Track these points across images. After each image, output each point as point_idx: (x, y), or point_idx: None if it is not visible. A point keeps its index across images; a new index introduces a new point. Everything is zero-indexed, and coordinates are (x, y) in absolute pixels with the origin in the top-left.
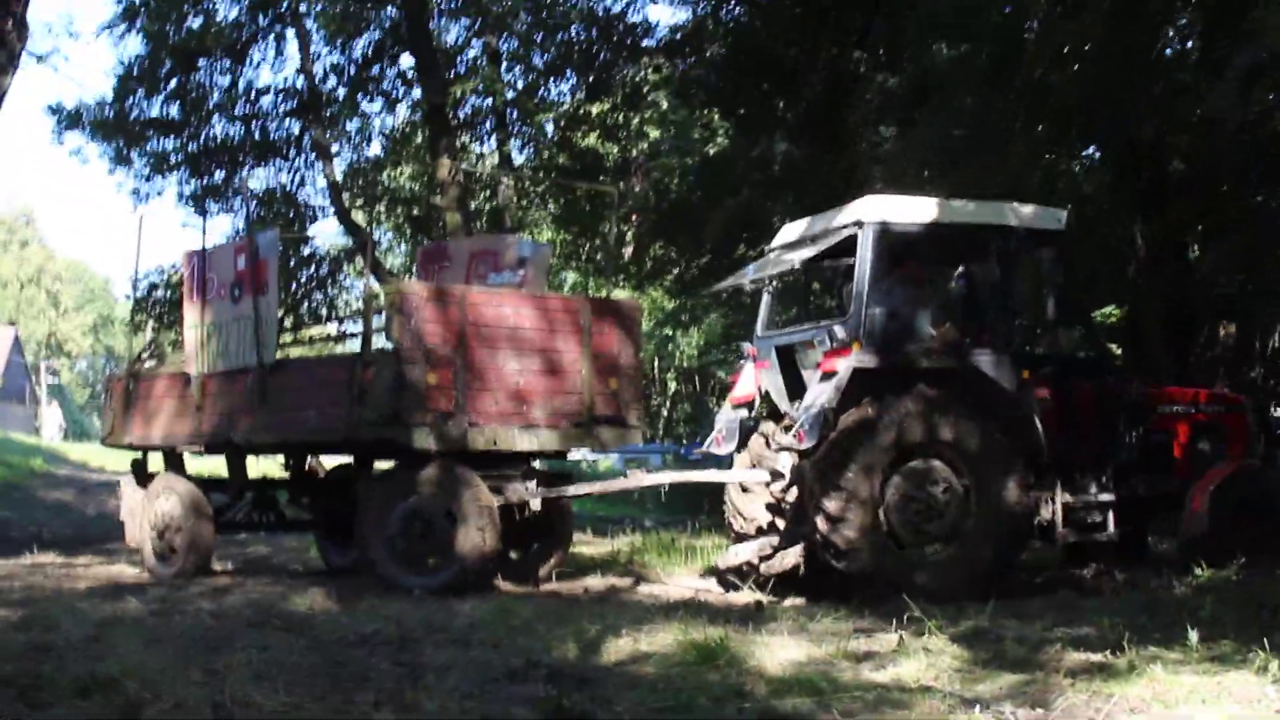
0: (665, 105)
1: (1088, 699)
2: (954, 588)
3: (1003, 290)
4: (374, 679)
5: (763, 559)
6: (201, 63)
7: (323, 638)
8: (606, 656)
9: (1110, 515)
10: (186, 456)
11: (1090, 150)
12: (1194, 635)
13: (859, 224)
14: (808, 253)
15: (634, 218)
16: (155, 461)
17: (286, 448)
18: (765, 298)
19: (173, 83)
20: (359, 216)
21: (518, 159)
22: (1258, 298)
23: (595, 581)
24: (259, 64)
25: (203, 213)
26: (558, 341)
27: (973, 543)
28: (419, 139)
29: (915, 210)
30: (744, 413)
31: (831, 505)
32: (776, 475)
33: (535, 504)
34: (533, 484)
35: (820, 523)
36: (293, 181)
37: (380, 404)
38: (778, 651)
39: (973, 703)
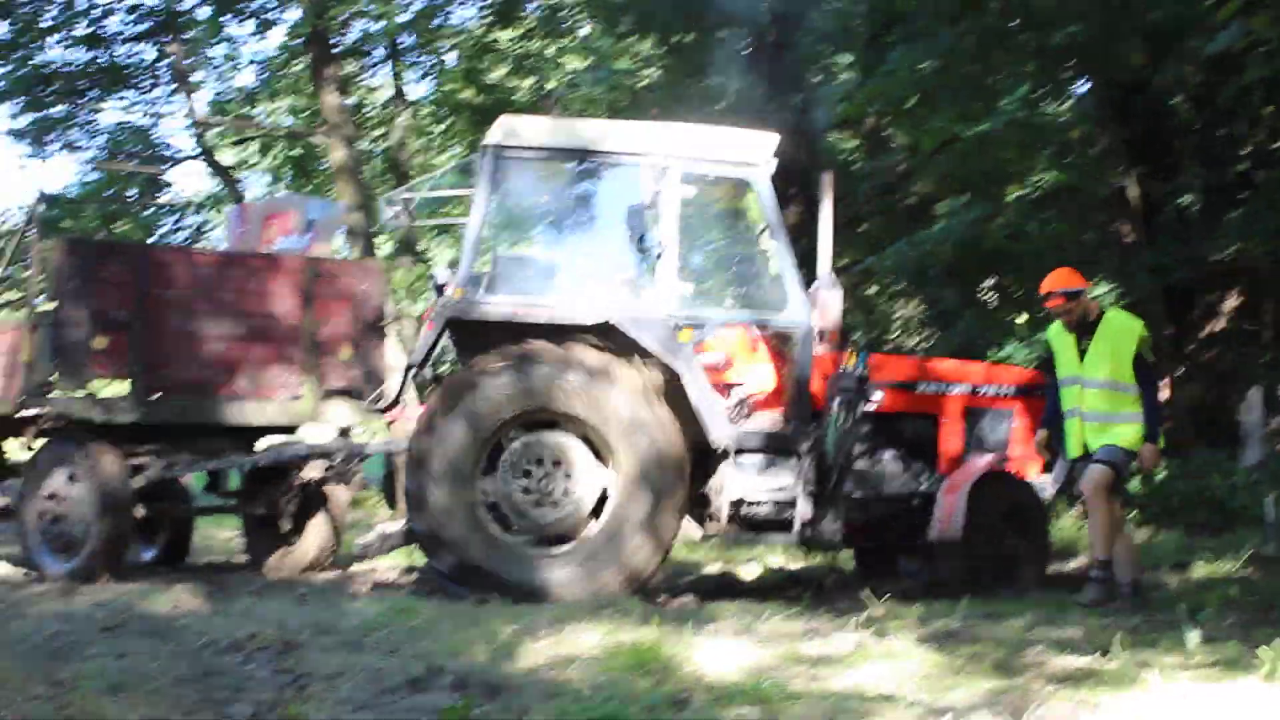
0: (587, 31)
1: (1073, 708)
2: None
3: (654, 232)
4: (251, 689)
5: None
6: None
7: (190, 643)
8: (522, 661)
9: (800, 511)
10: None
11: (1077, 86)
12: (1193, 638)
13: (481, 150)
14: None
15: None
16: None
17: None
18: None
19: None
20: (228, 157)
21: (416, 93)
22: (1272, 261)
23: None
24: None
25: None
26: (270, 305)
27: (602, 537)
28: (299, 67)
29: (546, 133)
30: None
31: (420, 483)
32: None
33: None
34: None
35: (407, 503)
36: (149, 116)
37: (39, 371)
38: (720, 656)
39: (942, 712)
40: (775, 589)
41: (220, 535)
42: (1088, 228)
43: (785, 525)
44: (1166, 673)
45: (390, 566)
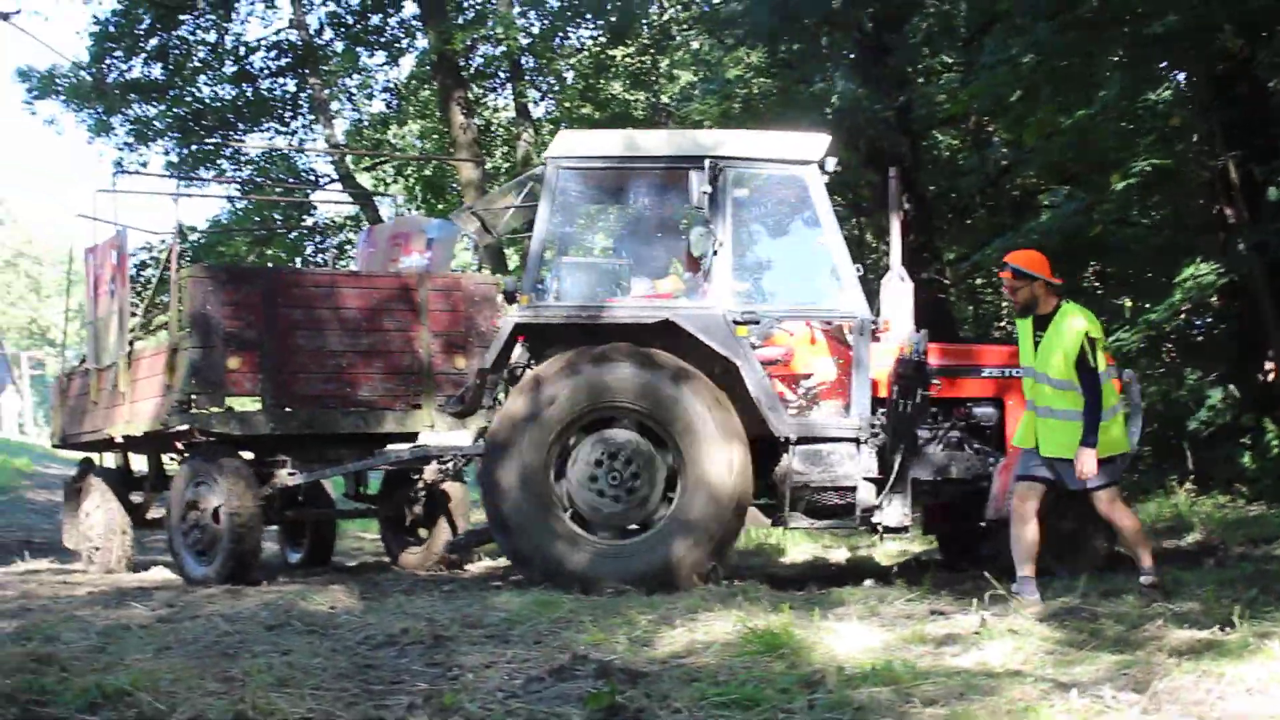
0: (696, 46)
1: (1196, 679)
2: (650, 576)
3: (711, 233)
4: (407, 681)
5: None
6: (184, 18)
7: (347, 639)
8: (660, 649)
9: (860, 496)
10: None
11: (1175, 75)
12: None
13: (543, 162)
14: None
15: None
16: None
17: (146, 441)
18: None
19: (153, 41)
20: (366, 180)
21: (536, 111)
22: None
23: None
24: (247, 18)
25: (189, 180)
26: (388, 320)
27: (672, 527)
28: (427, 93)
29: (603, 144)
30: None
31: (498, 480)
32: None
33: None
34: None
35: (488, 499)
36: (291, 146)
37: (180, 390)
38: (848, 638)
39: (1068, 686)
40: (898, 573)
41: (367, 536)
42: (1189, 212)
43: (848, 511)
44: None
45: None
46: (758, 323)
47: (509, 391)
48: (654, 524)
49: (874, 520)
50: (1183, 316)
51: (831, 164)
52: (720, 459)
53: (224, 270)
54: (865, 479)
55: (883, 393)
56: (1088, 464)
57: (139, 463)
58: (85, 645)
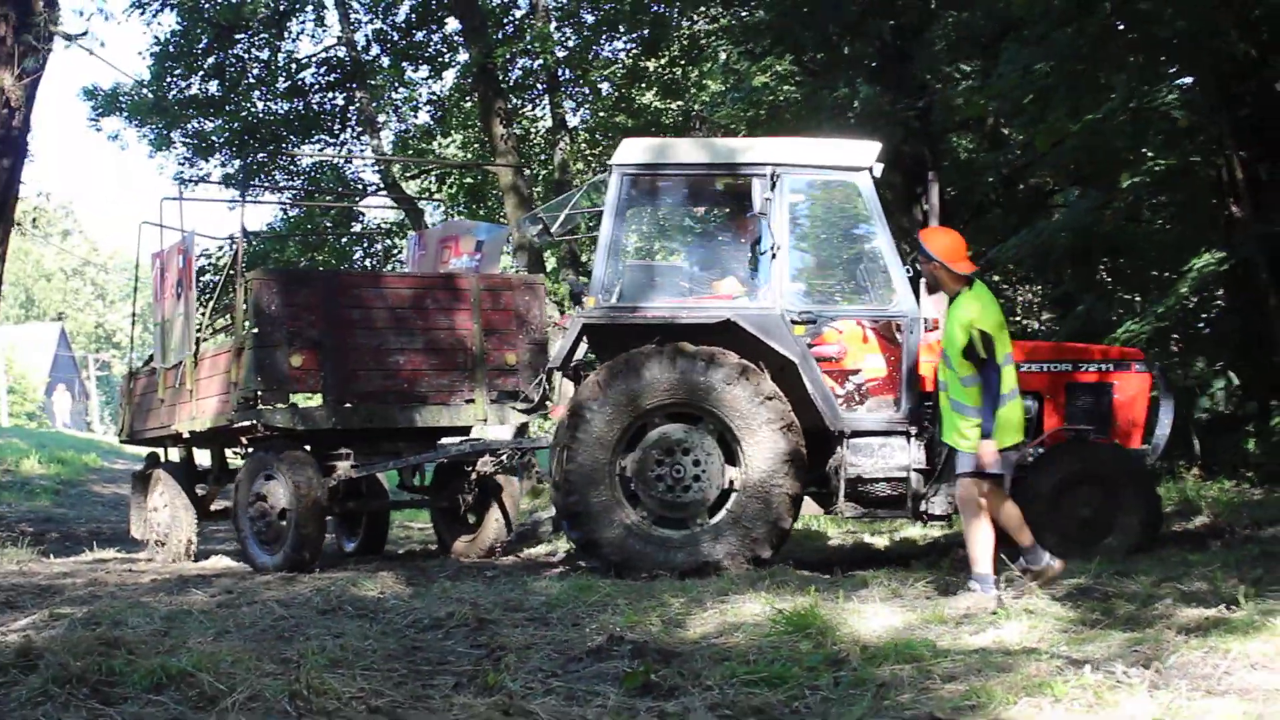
0: (724, 56)
1: (1204, 655)
2: (713, 563)
3: (768, 236)
4: (452, 662)
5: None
6: (239, 37)
7: (396, 623)
8: (692, 630)
9: (913, 488)
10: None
11: (1186, 80)
12: None
13: (608, 169)
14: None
15: None
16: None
17: (219, 436)
18: None
19: (210, 60)
20: (410, 188)
21: (573, 120)
22: None
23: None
24: (298, 35)
25: (244, 191)
26: (443, 320)
27: (732, 516)
28: (469, 104)
29: (665, 152)
30: None
31: (566, 473)
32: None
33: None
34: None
35: (557, 492)
36: (341, 155)
37: (246, 387)
38: (871, 619)
39: (1082, 663)
40: (917, 556)
41: (414, 525)
42: (1197, 209)
43: (899, 501)
44: None
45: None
46: (814, 322)
47: (574, 388)
48: (715, 513)
49: (921, 509)
50: (1189, 305)
51: (880, 169)
52: (777, 451)
53: (287, 273)
54: (915, 470)
55: (930, 388)
56: (987, 455)
57: (202, 457)
58: (150, 629)
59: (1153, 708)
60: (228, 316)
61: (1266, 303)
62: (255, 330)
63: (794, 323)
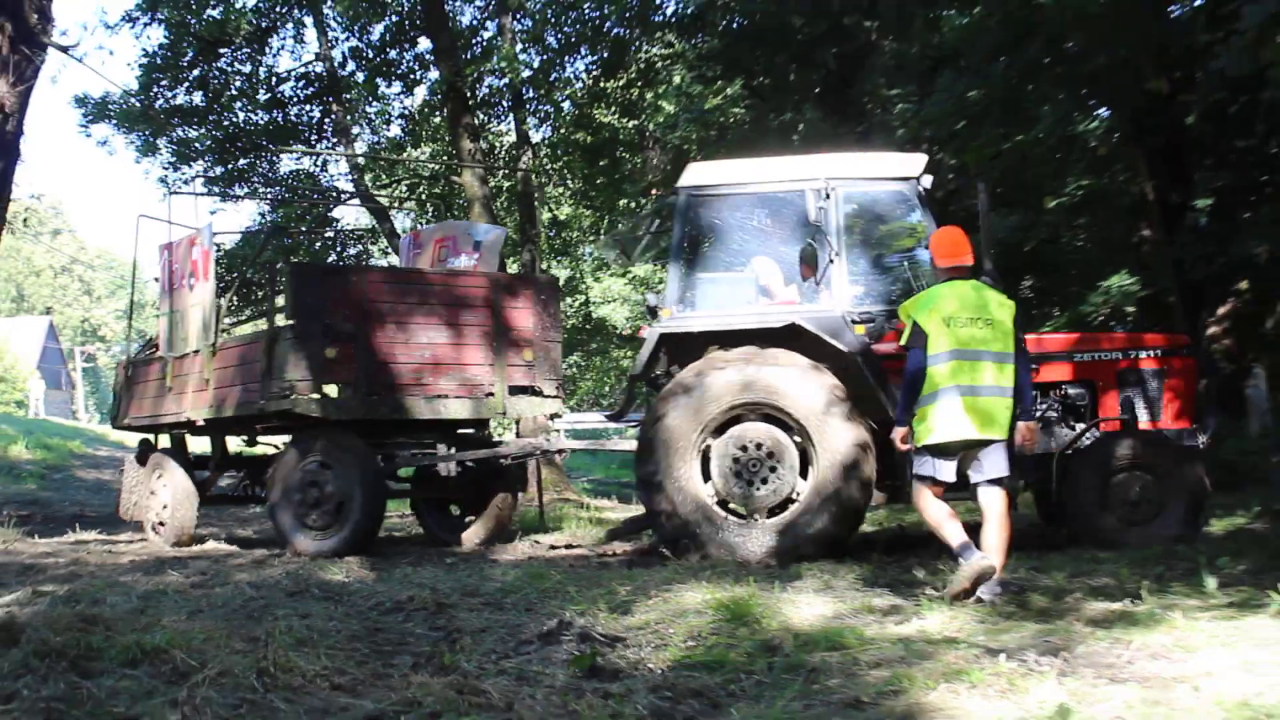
0: (678, 80)
1: (1109, 646)
2: (790, 552)
3: (836, 245)
4: (411, 643)
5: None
6: (223, 51)
7: (360, 605)
8: (637, 617)
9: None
10: (189, 435)
11: (1105, 111)
12: (1212, 583)
13: (676, 191)
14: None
15: (652, 191)
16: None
17: (228, 424)
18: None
19: (195, 72)
20: (382, 196)
21: (535, 136)
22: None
23: (622, 545)
24: (279, 51)
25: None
26: (466, 315)
27: (807, 506)
28: (438, 119)
29: (727, 173)
30: None
31: (650, 473)
32: None
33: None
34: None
35: (645, 492)
36: (317, 164)
37: (282, 376)
38: (804, 608)
39: (997, 652)
40: (850, 550)
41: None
42: (1114, 231)
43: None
44: (1189, 614)
45: (549, 541)
46: (873, 321)
47: (655, 395)
48: (791, 504)
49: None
50: (1100, 320)
51: (928, 180)
52: (848, 444)
53: (325, 267)
54: None
55: None
56: (896, 441)
57: (195, 445)
58: (127, 608)
59: (1060, 694)
60: (252, 308)
61: (1176, 323)
62: (293, 321)
63: (854, 323)
